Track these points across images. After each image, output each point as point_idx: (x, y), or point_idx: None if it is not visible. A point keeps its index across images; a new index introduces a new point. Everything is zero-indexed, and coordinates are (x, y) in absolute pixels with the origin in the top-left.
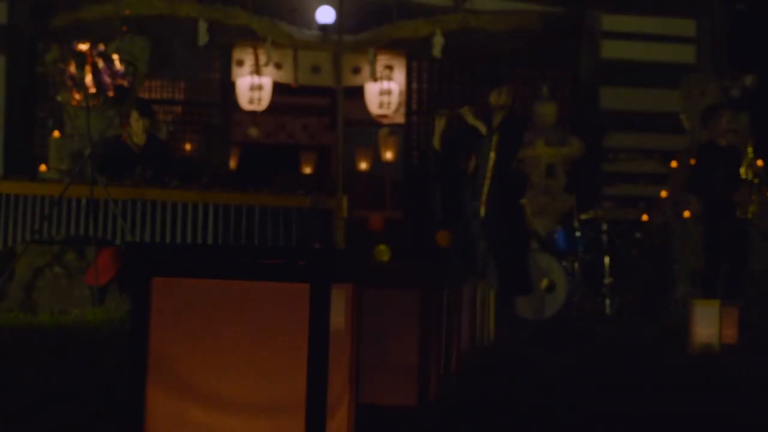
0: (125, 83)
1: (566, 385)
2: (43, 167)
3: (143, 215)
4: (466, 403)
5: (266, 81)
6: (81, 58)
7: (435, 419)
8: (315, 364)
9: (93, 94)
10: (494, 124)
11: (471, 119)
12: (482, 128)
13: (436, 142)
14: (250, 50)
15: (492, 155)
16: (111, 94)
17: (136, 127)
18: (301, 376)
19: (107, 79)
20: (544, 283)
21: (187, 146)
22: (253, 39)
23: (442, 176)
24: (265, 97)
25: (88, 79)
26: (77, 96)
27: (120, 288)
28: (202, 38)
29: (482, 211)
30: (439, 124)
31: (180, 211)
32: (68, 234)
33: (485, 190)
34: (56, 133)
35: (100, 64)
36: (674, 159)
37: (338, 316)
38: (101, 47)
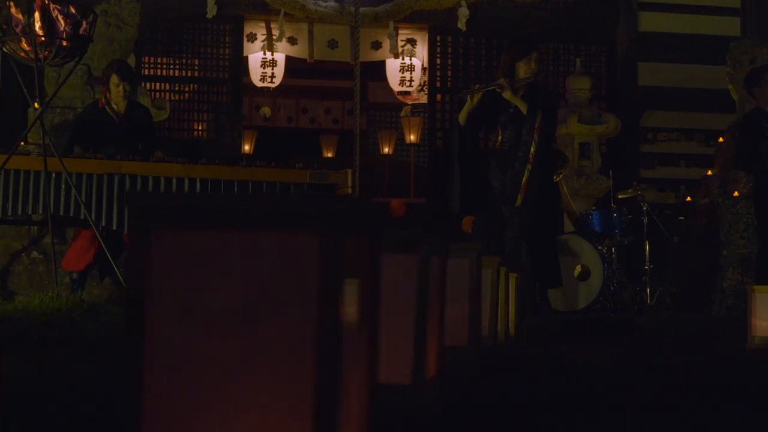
0: (82, 32)
1: (593, 392)
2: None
3: (121, 190)
4: None
5: (279, 57)
6: (28, 2)
7: None
8: None
9: (43, 43)
10: (521, 95)
11: (509, 95)
12: (523, 107)
13: (462, 117)
14: (262, 24)
15: (536, 137)
16: (65, 44)
17: (116, 93)
18: None
19: (60, 27)
20: (577, 269)
21: (197, 126)
22: (264, 12)
23: (463, 155)
24: (278, 74)
25: (38, 26)
26: (25, 46)
27: (100, 274)
28: (211, 11)
29: (519, 199)
30: (471, 101)
31: (163, 186)
32: (28, 212)
33: (526, 176)
34: (36, 105)
35: (53, 9)
36: (721, 137)
37: None
38: None
